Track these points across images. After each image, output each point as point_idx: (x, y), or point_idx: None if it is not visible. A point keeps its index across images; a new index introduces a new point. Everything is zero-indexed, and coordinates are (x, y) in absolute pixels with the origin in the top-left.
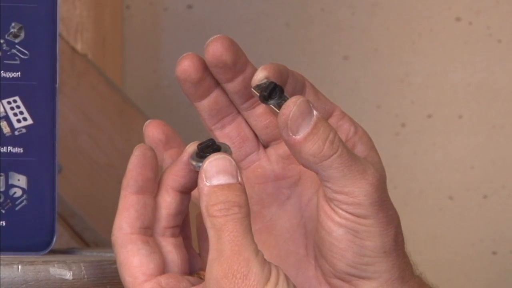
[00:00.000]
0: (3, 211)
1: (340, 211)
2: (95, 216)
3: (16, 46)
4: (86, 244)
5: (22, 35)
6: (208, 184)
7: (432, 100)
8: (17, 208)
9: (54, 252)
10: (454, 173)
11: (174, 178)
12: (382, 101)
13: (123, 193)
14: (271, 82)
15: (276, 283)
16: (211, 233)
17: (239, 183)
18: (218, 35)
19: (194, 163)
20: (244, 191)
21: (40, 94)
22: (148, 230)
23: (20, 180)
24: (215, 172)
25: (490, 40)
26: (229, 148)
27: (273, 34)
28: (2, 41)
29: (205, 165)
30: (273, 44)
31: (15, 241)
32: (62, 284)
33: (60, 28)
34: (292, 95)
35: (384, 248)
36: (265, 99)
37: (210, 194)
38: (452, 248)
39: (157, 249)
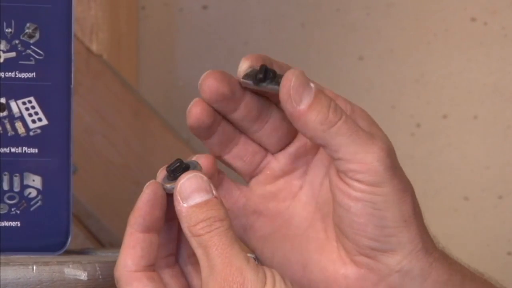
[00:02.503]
0: (18, 212)
1: (355, 184)
2: (110, 217)
3: (31, 46)
4: (101, 244)
5: (37, 35)
6: (185, 205)
7: (447, 101)
8: (32, 209)
9: (69, 252)
10: (469, 174)
11: None
12: (397, 101)
13: (129, 230)
14: (262, 65)
15: (273, 285)
16: (199, 252)
17: (215, 197)
18: (207, 72)
19: (168, 186)
20: (221, 203)
21: (55, 94)
22: (151, 267)
23: (35, 181)
24: (189, 192)
25: (506, 40)
26: (198, 164)
27: (288, 35)
28: (17, 41)
29: (178, 187)
30: (288, 45)
31: (30, 241)
32: (77, 284)
33: (75, 28)
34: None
35: (403, 217)
36: (261, 81)
37: (189, 215)
38: (467, 248)
39: (162, 285)
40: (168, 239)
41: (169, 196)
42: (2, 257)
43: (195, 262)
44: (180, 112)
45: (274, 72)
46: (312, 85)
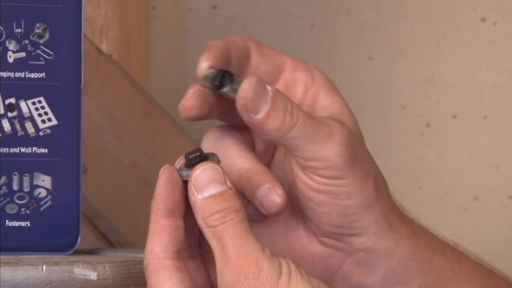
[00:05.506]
0: (28, 212)
1: (316, 177)
2: (120, 217)
3: (41, 46)
4: (111, 244)
5: (47, 35)
6: (200, 196)
7: (457, 101)
8: (41, 209)
9: (78, 252)
10: (479, 174)
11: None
12: (407, 101)
13: (153, 216)
14: (219, 70)
15: (289, 274)
16: (213, 243)
17: (230, 188)
18: (188, 96)
19: (184, 172)
20: (236, 195)
21: (65, 94)
22: (180, 253)
23: (44, 181)
24: (204, 183)
25: None
26: (216, 156)
27: (298, 35)
28: (27, 41)
29: (193, 178)
30: (298, 45)
31: (40, 241)
32: (87, 284)
33: (85, 28)
34: (237, 66)
35: (366, 202)
36: (218, 88)
37: (204, 207)
38: (477, 248)
39: (189, 277)
40: (190, 229)
41: (186, 183)
42: (12, 257)
43: (212, 258)
44: None
45: (231, 76)
46: (269, 89)
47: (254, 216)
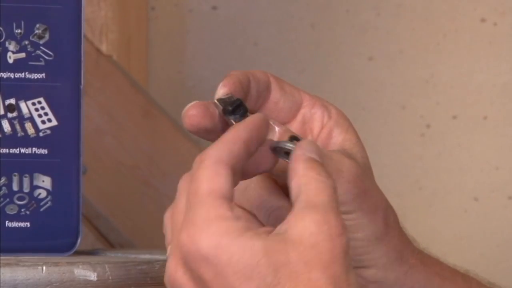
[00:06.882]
0: (28, 212)
1: None
2: (120, 217)
3: (41, 47)
4: (111, 245)
5: (47, 36)
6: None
7: (457, 101)
8: (41, 209)
9: (78, 253)
10: (479, 174)
11: None
12: (407, 102)
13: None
14: (238, 99)
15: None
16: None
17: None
18: (190, 104)
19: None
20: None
21: (65, 95)
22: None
23: (44, 181)
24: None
25: None
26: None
27: (298, 35)
28: (27, 42)
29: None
30: (298, 45)
31: (40, 242)
32: (87, 285)
33: (85, 29)
34: (256, 98)
35: (375, 235)
36: (227, 113)
37: (305, 147)
38: (477, 249)
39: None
40: None
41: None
42: (12, 257)
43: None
44: None
45: (245, 111)
46: (276, 130)
47: None
